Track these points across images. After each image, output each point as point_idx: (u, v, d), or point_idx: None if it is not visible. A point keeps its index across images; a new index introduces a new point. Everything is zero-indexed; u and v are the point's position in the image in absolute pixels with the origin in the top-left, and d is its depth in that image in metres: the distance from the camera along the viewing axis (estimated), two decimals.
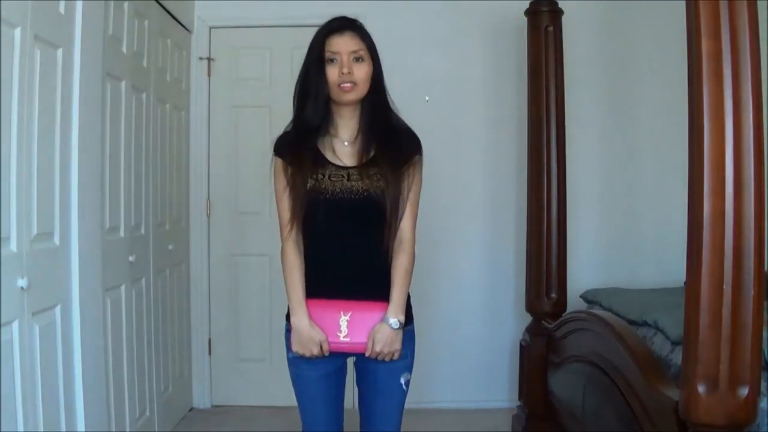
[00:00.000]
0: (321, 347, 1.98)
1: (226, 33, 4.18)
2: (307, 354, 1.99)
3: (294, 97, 2.07)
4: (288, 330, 2.05)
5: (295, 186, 1.98)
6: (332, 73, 1.98)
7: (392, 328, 1.98)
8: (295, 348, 2.00)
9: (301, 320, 1.98)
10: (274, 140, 2.07)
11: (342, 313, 1.98)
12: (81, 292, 2.56)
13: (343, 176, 2.00)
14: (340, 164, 2.02)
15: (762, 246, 1.74)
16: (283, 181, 2.01)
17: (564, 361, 3.21)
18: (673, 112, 3.30)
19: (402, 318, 2.01)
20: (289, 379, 2.12)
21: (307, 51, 2.04)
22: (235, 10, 4.08)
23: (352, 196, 1.98)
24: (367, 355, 1.99)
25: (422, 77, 4.09)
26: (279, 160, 2.03)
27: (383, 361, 2.01)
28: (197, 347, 4.17)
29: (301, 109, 2.04)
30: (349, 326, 1.98)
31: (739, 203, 1.72)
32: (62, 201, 2.47)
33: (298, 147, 2.01)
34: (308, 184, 1.98)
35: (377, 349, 1.98)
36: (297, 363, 2.05)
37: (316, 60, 1.99)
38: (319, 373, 2.04)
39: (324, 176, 1.99)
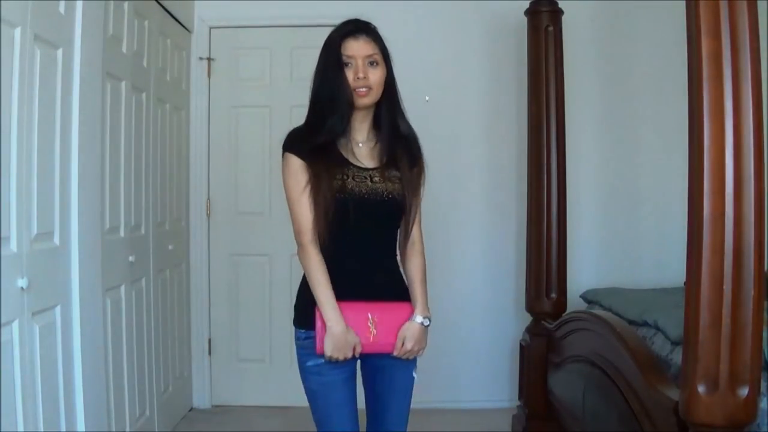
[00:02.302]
0: (354, 350, 1.97)
1: (226, 33, 4.18)
2: (341, 358, 1.94)
3: (313, 97, 2.03)
4: (304, 338, 2.00)
5: (320, 189, 1.93)
6: (347, 77, 1.96)
7: (422, 325, 2.02)
8: (329, 353, 1.93)
9: (337, 324, 1.92)
10: (287, 137, 1.99)
11: (370, 314, 1.97)
12: (81, 292, 2.56)
13: (366, 178, 1.99)
14: (361, 165, 2.01)
15: (762, 246, 1.73)
16: (301, 182, 1.94)
17: (564, 361, 3.21)
18: (674, 111, 3.30)
19: (429, 315, 2.05)
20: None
21: (321, 52, 2.01)
22: (235, 10, 4.08)
23: (377, 198, 1.99)
24: (395, 354, 2.00)
25: (422, 77, 4.08)
26: (295, 159, 1.95)
27: (400, 359, 2.02)
28: (197, 347, 4.17)
29: (320, 111, 1.99)
30: (378, 327, 1.98)
31: (739, 203, 1.72)
32: (62, 201, 2.47)
33: (321, 147, 1.96)
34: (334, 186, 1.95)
35: (408, 347, 1.99)
36: (321, 370, 1.98)
37: (334, 63, 1.96)
38: (344, 376, 2.01)
39: (348, 177, 1.98)
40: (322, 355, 1.95)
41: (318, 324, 1.95)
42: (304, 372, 2.02)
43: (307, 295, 2.00)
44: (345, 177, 1.97)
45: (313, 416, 2.06)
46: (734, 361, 1.73)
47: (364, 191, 1.97)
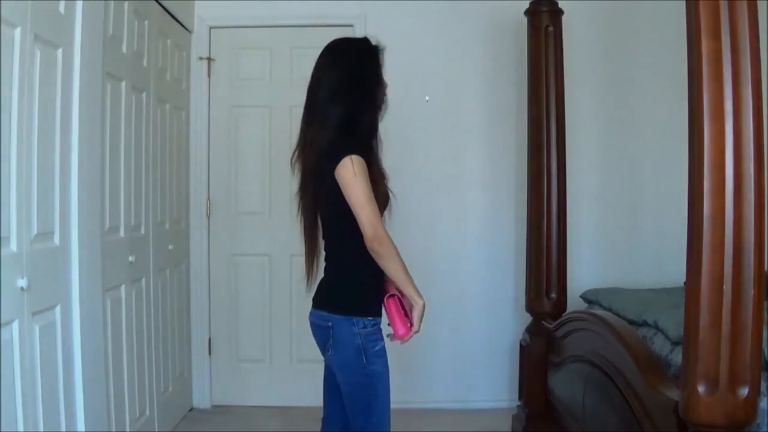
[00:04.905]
0: None
1: (226, 33, 4.18)
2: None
3: (372, 102, 2.16)
4: (372, 324, 2.10)
5: (379, 187, 2.11)
6: None
7: None
8: (417, 327, 2.09)
9: (422, 299, 2.09)
10: (352, 142, 2.08)
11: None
12: (81, 292, 2.56)
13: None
14: None
15: (762, 246, 1.74)
16: (369, 181, 2.07)
17: (564, 361, 3.21)
18: (673, 112, 3.31)
19: None
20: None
21: (369, 61, 2.18)
22: (235, 10, 4.08)
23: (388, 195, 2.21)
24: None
25: (422, 77, 4.09)
26: (364, 161, 2.07)
27: None
28: (197, 347, 4.17)
29: (374, 115, 2.16)
30: None
31: (739, 203, 1.72)
32: (62, 201, 2.47)
33: (374, 153, 2.17)
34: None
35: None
36: (384, 352, 2.11)
37: (379, 77, 2.18)
38: None
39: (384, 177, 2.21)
40: (402, 337, 2.08)
41: (392, 308, 2.09)
42: (372, 356, 2.09)
43: (374, 284, 2.11)
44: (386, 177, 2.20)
45: (374, 404, 2.10)
46: (734, 361, 1.73)
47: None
